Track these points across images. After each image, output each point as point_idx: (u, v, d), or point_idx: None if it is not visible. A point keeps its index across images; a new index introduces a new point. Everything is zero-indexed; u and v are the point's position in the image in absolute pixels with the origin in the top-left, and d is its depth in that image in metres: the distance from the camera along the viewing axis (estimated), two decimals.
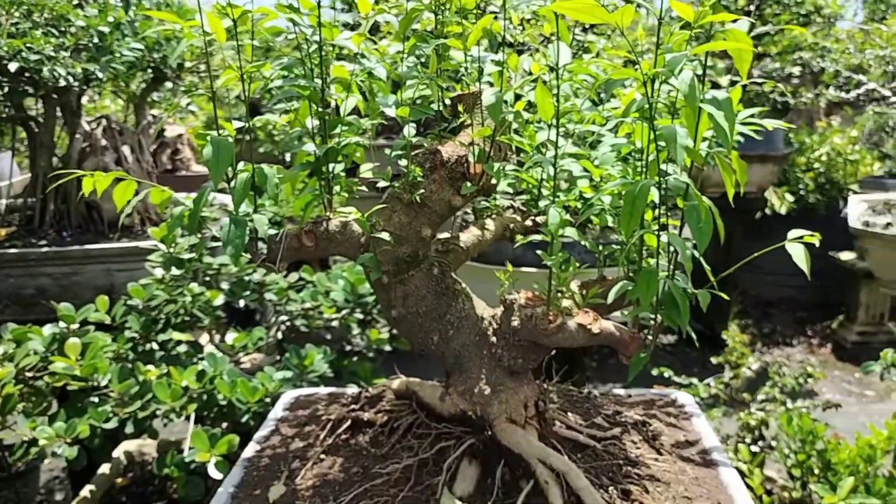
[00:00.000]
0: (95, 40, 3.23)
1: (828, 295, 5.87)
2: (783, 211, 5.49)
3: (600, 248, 1.53)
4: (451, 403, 1.46)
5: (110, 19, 3.27)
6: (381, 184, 1.45)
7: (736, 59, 1.08)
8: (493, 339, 1.43)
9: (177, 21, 1.33)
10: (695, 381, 3.33)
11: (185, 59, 3.83)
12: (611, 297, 1.25)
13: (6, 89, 3.21)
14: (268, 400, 2.33)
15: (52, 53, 3.02)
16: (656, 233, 1.20)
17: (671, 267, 1.23)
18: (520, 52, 1.48)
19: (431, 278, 1.45)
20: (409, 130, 1.38)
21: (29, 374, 2.36)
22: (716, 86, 4.18)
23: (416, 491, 1.36)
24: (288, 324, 3.03)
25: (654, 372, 3.32)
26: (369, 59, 1.38)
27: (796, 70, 4.96)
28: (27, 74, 3.04)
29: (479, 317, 1.46)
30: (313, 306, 2.94)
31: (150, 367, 2.42)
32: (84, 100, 3.81)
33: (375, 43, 1.45)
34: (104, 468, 2.61)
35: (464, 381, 1.45)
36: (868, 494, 1.97)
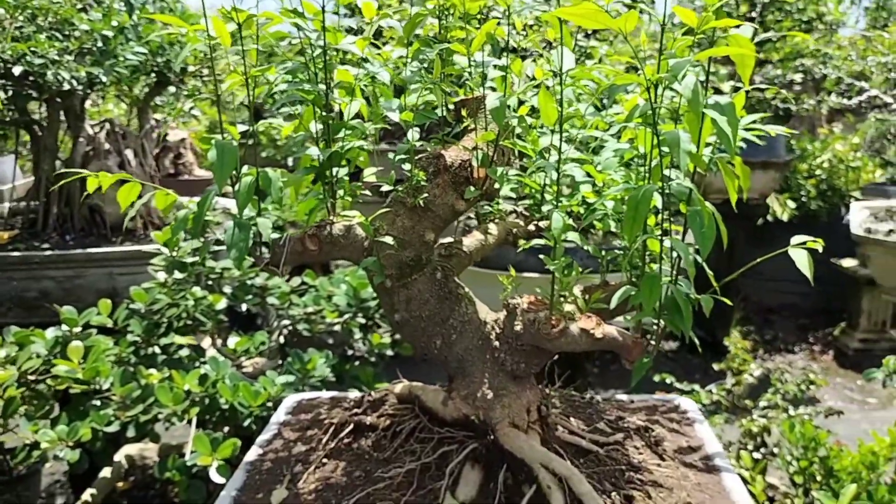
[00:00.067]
0: (99, 44, 3.24)
1: (830, 302, 5.87)
2: (785, 217, 5.49)
3: (603, 253, 1.53)
4: (453, 408, 1.46)
5: (114, 23, 3.29)
6: (385, 188, 1.45)
7: (739, 64, 1.08)
8: (496, 343, 1.43)
9: (182, 25, 1.34)
10: (697, 387, 3.32)
11: (188, 63, 3.84)
12: (614, 302, 1.25)
13: (10, 93, 3.22)
14: (270, 404, 2.33)
15: (56, 57, 3.03)
16: (659, 238, 1.20)
17: (674, 272, 1.23)
18: (523, 58, 1.48)
19: (435, 282, 1.45)
20: (413, 134, 1.38)
21: (31, 377, 2.36)
22: (718, 92, 4.19)
23: (418, 495, 1.36)
24: (290, 328, 3.03)
25: (657, 378, 3.32)
26: (373, 63, 1.39)
27: (798, 77, 4.97)
28: (31, 78, 3.05)
29: (482, 321, 1.46)
30: (316, 311, 2.94)
31: (153, 370, 2.43)
32: (87, 104, 3.81)
33: (379, 48, 1.46)
34: (105, 472, 2.62)
35: (466, 385, 1.45)
36: (870, 502, 1.96)
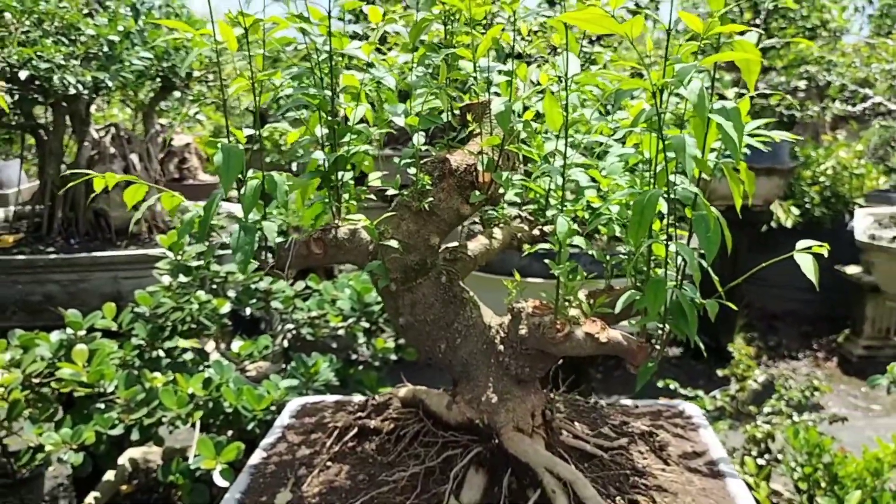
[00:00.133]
0: (105, 49, 3.25)
1: (833, 308, 5.86)
2: (789, 224, 5.49)
3: (608, 258, 1.53)
4: (458, 412, 1.46)
5: (120, 28, 3.30)
6: (390, 192, 1.46)
7: (744, 70, 1.08)
8: (501, 347, 1.43)
9: (188, 30, 1.34)
10: (700, 393, 3.32)
11: (193, 68, 3.86)
12: (619, 307, 1.25)
13: (16, 97, 3.24)
14: (273, 408, 2.33)
15: (63, 62, 3.05)
16: (664, 242, 1.20)
17: (679, 277, 1.23)
18: (528, 64, 1.49)
19: (439, 286, 1.45)
20: (419, 139, 1.39)
21: (35, 381, 2.36)
22: (722, 98, 4.19)
23: (422, 499, 1.36)
24: (294, 332, 3.04)
25: (660, 384, 3.31)
26: (378, 69, 1.39)
27: (802, 84, 4.97)
28: (37, 82, 3.07)
29: (487, 325, 1.47)
30: (319, 315, 2.94)
31: (157, 374, 2.43)
32: (93, 108, 3.83)
33: (384, 54, 1.47)
34: (109, 475, 2.62)
35: (471, 389, 1.45)
36: None
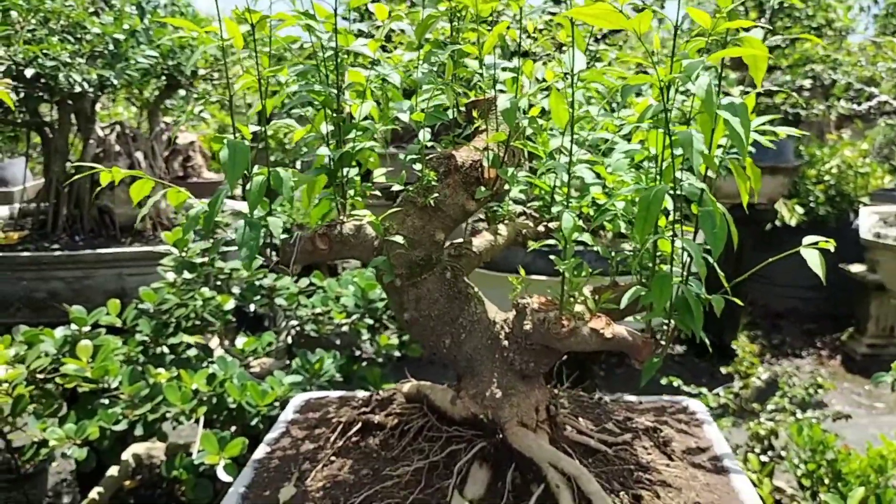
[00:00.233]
0: (111, 47, 3.26)
1: (837, 307, 5.86)
2: (793, 223, 5.48)
3: (612, 254, 1.53)
4: (462, 407, 1.46)
5: (125, 27, 3.31)
6: (396, 187, 1.46)
7: (751, 66, 1.09)
8: (505, 342, 1.44)
9: (193, 28, 1.35)
10: (704, 390, 3.32)
11: (198, 66, 3.87)
12: (624, 302, 1.26)
13: (22, 95, 3.25)
14: (277, 404, 2.34)
15: (68, 60, 3.06)
16: (670, 238, 1.20)
17: (685, 273, 1.23)
18: (533, 62, 1.49)
19: (444, 282, 1.46)
20: (425, 135, 1.39)
21: (40, 376, 2.37)
22: (728, 96, 4.18)
23: (426, 493, 1.36)
24: (298, 329, 3.04)
25: (664, 381, 3.32)
26: (383, 66, 1.40)
27: (807, 83, 4.96)
28: (43, 80, 3.07)
29: (492, 321, 1.47)
30: (323, 311, 2.95)
31: (161, 370, 2.44)
32: (98, 106, 3.84)
33: (389, 52, 1.47)
34: (112, 470, 2.62)
35: (475, 384, 1.45)
36: None
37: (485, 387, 1.43)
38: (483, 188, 1.43)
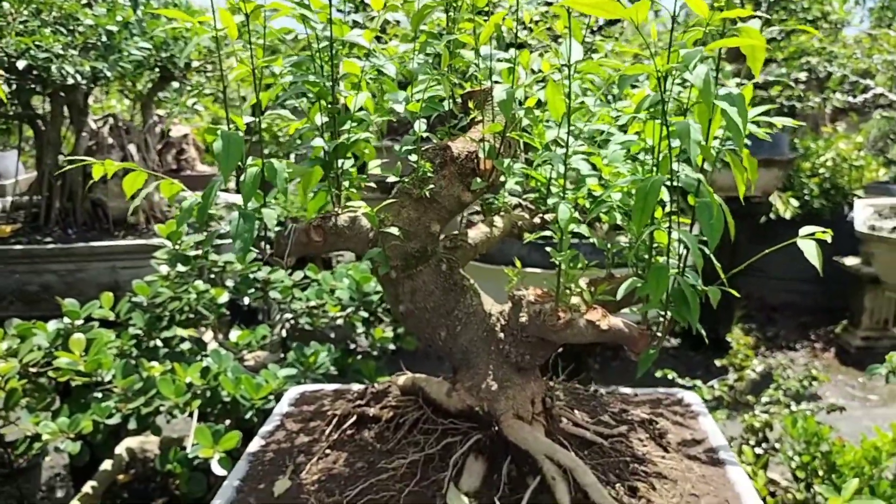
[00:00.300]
0: (104, 39, 3.24)
1: (832, 300, 5.88)
2: (788, 216, 5.49)
3: (609, 246, 1.53)
4: (457, 399, 1.46)
5: (119, 18, 3.29)
6: (391, 179, 1.45)
7: (749, 56, 1.08)
8: (501, 335, 1.43)
9: (187, 19, 1.33)
10: (698, 383, 3.32)
11: (192, 58, 3.84)
12: (620, 293, 1.25)
13: (14, 87, 3.22)
14: (271, 397, 2.33)
15: (61, 52, 3.03)
16: (667, 230, 1.20)
17: (681, 264, 1.23)
18: (529, 52, 1.48)
19: (440, 274, 1.45)
20: (420, 126, 1.38)
21: (33, 370, 2.36)
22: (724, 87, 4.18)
23: (421, 486, 1.36)
24: (292, 322, 3.03)
25: (658, 374, 3.32)
26: (379, 57, 1.38)
27: (802, 76, 4.96)
28: (35, 72, 3.05)
29: (487, 313, 1.46)
30: (318, 305, 2.94)
31: (154, 363, 2.43)
32: (90, 99, 3.82)
33: (384, 44, 1.46)
34: (106, 464, 2.61)
35: (471, 376, 1.45)
36: (873, 496, 1.96)
37: (480, 379, 1.43)
38: (479, 179, 1.42)
